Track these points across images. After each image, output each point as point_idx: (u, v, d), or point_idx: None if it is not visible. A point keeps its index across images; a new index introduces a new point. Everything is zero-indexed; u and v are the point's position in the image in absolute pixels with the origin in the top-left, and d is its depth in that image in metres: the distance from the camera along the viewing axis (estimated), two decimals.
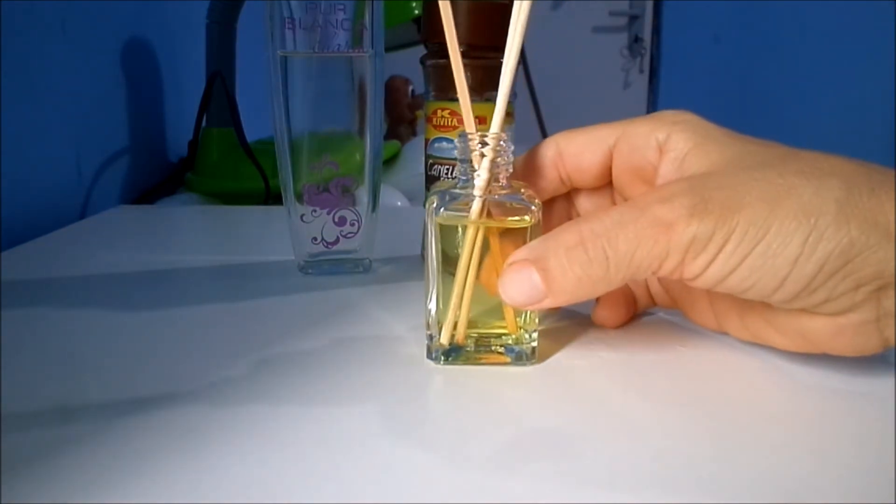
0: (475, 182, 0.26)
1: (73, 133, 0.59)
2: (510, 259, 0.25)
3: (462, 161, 0.27)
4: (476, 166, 0.26)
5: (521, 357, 0.27)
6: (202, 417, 0.23)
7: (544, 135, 1.28)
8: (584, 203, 0.31)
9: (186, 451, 0.21)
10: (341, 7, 0.35)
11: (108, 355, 0.28)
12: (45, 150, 0.55)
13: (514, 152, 0.27)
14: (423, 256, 0.28)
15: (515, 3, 0.26)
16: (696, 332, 0.31)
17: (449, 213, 0.27)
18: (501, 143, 0.26)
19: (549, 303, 0.25)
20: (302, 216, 0.38)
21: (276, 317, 0.33)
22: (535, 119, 1.25)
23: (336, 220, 0.38)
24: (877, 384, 0.25)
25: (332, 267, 0.39)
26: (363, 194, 0.39)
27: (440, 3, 0.26)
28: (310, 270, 0.39)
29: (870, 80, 1.64)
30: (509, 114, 0.46)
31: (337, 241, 0.39)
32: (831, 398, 0.25)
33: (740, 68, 2.10)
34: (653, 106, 2.35)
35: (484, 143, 0.26)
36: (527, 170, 0.30)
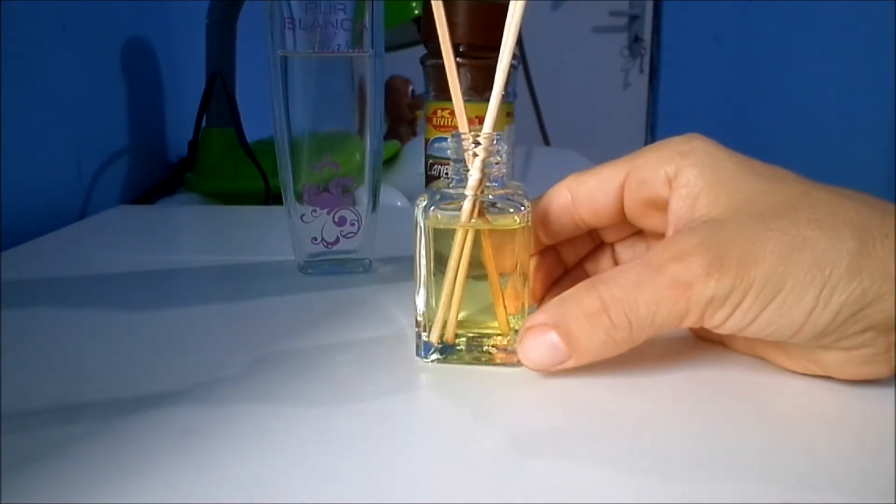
0: (468, 182, 0.26)
1: (73, 133, 0.59)
2: (528, 322, 0.25)
3: (455, 161, 0.27)
4: (469, 166, 0.26)
5: (513, 357, 0.27)
6: (202, 417, 0.23)
7: (544, 135, 1.28)
8: (610, 237, 0.32)
9: (186, 451, 0.21)
10: (341, 7, 0.35)
11: (107, 355, 0.28)
12: (45, 150, 0.55)
13: (507, 152, 0.27)
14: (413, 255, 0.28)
15: (511, 2, 0.26)
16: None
17: (440, 212, 0.27)
18: (494, 142, 0.26)
19: (572, 363, 0.25)
20: (302, 216, 0.38)
21: (276, 317, 0.33)
22: (535, 119, 1.25)
23: (336, 220, 0.38)
24: (876, 384, 0.25)
25: (332, 267, 0.39)
26: (363, 194, 0.39)
27: (433, 4, 0.26)
28: (310, 270, 0.39)
29: (870, 79, 1.64)
30: (509, 114, 0.46)
31: (337, 241, 0.39)
32: (831, 397, 0.25)
33: (740, 68, 2.10)
34: (653, 106, 2.35)
35: (476, 143, 0.26)
36: (541, 215, 0.30)
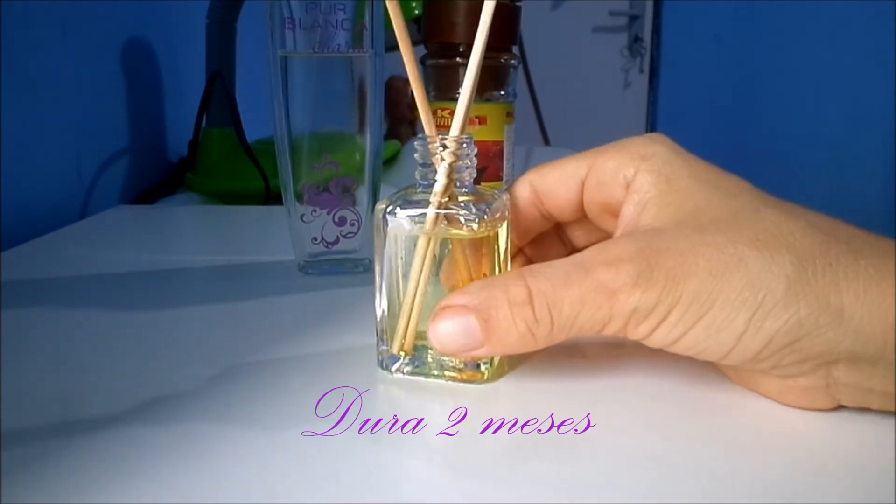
0: (434, 188, 0.25)
1: (73, 133, 0.59)
2: (445, 302, 0.24)
3: (422, 165, 0.26)
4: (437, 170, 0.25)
5: (479, 370, 0.26)
6: (202, 418, 0.23)
7: (544, 135, 1.28)
8: (575, 233, 0.31)
9: (186, 452, 0.21)
10: (341, 7, 0.35)
11: (108, 355, 0.28)
12: (45, 150, 0.55)
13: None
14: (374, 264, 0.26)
15: (486, 3, 0.24)
16: None
17: (403, 219, 0.25)
18: (463, 146, 0.25)
19: (483, 352, 0.24)
20: (302, 216, 0.38)
21: (276, 317, 0.33)
22: (535, 119, 1.25)
23: (336, 220, 0.38)
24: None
25: (332, 267, 0.39)
26: (363, 194, 0.39)
27: (389, 4, 0.25)
28: (310, 270, 0.39)
29: (870, 80, 1.64)
30: (509, 114, 0.46)
31: (337, 241, 0.39)
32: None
33: (740, 68, 2.10)
34: (653, 106, 2.35)
35: (444, 147, 0.25)
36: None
